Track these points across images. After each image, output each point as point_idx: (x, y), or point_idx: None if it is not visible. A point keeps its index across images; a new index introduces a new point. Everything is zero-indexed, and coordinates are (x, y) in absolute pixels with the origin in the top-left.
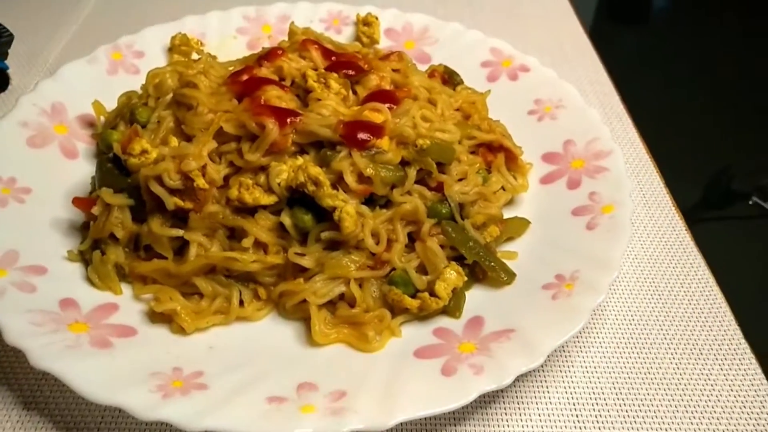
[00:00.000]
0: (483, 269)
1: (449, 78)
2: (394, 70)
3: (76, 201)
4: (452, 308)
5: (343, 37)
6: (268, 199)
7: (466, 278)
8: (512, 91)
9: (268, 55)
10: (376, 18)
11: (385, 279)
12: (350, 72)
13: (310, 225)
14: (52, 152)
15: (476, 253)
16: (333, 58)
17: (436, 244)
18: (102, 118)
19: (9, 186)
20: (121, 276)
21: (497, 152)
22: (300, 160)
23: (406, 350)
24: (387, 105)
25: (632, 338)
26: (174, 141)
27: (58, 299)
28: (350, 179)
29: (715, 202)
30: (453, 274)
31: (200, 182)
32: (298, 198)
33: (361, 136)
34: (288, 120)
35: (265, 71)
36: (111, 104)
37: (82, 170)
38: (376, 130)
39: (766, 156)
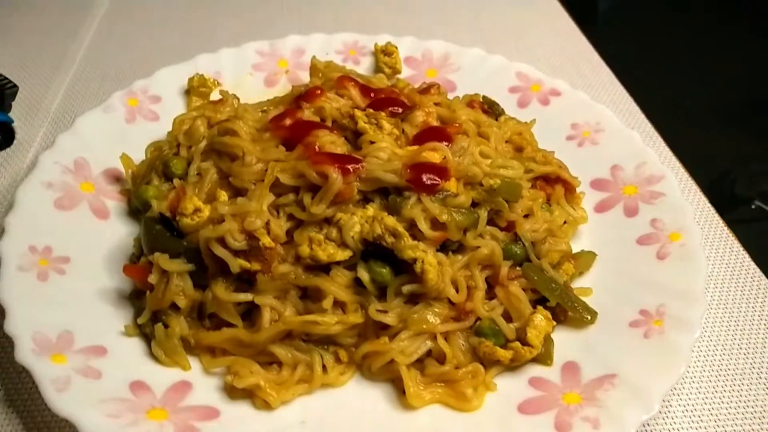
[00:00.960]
0: (563, 310)
1: (490, 108)
2: (435, 104)
3: (128, 270)
4: (543, 355)
5: (362, 68)
6: (342, 254)
7: (554, 323)
8: (546, 117)
9: (307, 95)
10: (396, 47)
11: (470, 330)
12: (396, 109)
13: (389, 279)
14: (83, 213)
15: (558, 294)
16: (372, 95)
17: (519, 288)
18: (130, 172)
19: (46, 256)
20: (186, 348)
21: (554, 184)
22: (370, 210)
23: (507, 406)
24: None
25: (721, 371)
26: (223, 195)
27: (128, 383)
28: (424, 226)
29: (717, 206)
30: (542, 320)
31: (266, 241)
32: (371, 250)
33: (428, 179)
34: (351, 167)
35: (308, 113)
36: (133, 154)
37: (116, 231)
38: (442, 171)
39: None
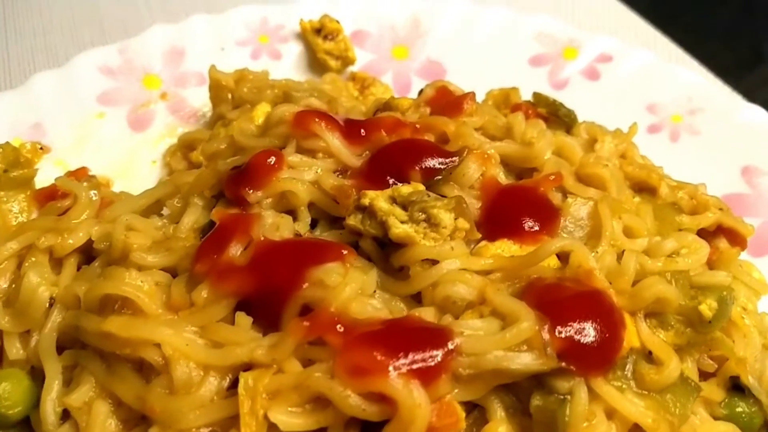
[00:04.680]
0: None
1: (553, 113)
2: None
3: None
4: None
5: (287, 64)
6: None
7: None
8: (603, 100)
9: (250, 172)
10: (338, 22)
11: None
12: (432, 164)
13: None
14: None
15: None
16: (362, 133)
17: None
18: None
19: None
20: None
21: (713, 238)
22: None
23: None
24: (540, 229)
25: None
26: None
27: None
28: None
29: None
30: None
31: None
32: None
33: (589, 342)
34: (435, 361)
35: (271, 218)
36: None
37: None
38: (605, 312)
39: None
